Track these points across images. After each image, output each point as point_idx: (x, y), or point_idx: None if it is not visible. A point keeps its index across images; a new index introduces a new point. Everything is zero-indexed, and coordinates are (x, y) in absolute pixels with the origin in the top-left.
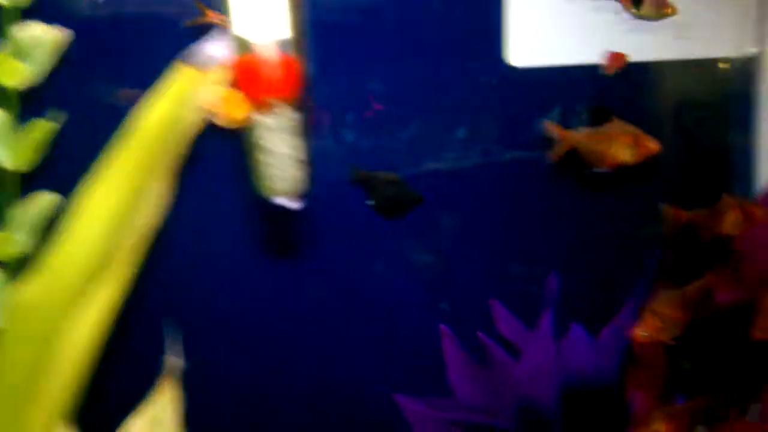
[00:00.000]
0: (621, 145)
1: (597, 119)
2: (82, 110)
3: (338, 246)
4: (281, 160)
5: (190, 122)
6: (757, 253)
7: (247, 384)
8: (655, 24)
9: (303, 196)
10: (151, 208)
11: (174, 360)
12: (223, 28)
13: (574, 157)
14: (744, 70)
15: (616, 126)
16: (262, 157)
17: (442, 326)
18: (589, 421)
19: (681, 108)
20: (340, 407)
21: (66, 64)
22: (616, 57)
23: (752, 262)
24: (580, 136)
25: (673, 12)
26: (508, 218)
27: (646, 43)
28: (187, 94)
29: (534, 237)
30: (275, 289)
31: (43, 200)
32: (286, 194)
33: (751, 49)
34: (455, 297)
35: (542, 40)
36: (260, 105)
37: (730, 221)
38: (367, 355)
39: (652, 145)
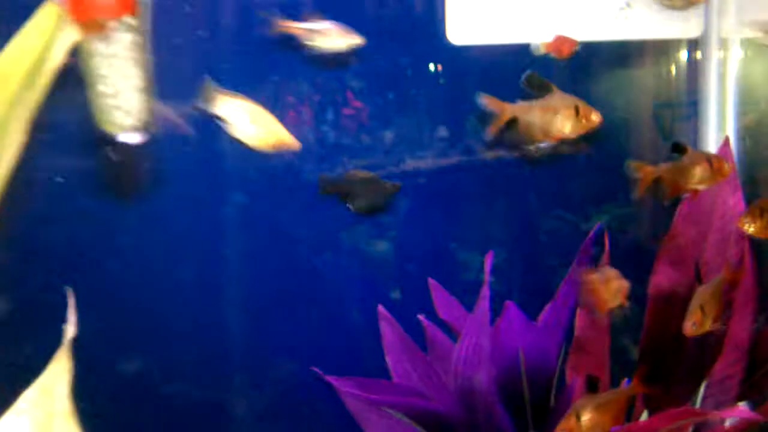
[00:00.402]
0: (563, 117)
1: (535, 91)
2: None
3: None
4: (120, 90)
5: (55, 63)
6: (689, 232)
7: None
8: (599, 5)
9: (146, 128)
10: (11, 151)
11: (70, 328)
12: None
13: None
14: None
15: (557, 98)
16: (99, 88)
17: (380, 308)
18: (529, 404)
19: (624, 88)
20: (268, 387)
21: None
22: (564, 41)
23: (687, 242)
24: (520, 108)
25: None
26: (454, 204)
27: (590, 24)
28: (54, 34)
29: (480, 223)
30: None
31: None
32: (128, 129)
33: (696, 32)
34: (401, 283)
35: (482, 19)
36: (92, 28)
37: (698, 175)
38: (303, 337)
39: (595, 117)
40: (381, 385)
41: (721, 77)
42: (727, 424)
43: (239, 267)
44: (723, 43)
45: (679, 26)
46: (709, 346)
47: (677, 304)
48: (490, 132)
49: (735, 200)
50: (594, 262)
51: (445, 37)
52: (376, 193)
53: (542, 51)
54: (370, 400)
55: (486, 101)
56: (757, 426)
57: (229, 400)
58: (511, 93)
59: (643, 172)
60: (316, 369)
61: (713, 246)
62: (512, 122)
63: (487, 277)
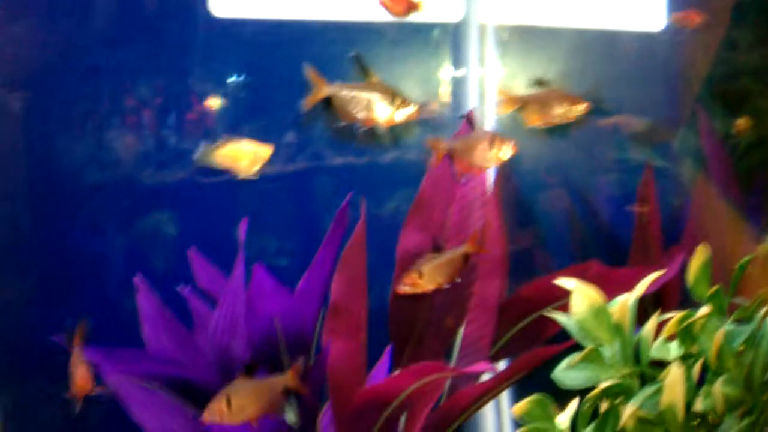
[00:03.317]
0: (379, 105)
1: (356, 72)
2: None
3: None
4: None
5: None
6: (436, 197)
7: None
8: None
9: None
10: None
11: None
12: None
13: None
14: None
15: (373, 83)
16: None
17: (136, 279)
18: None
19: (396, 67)
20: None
21: None
22: None
23: (433, 207)
24: (337, 89)
25: None
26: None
27: (360, 6)
28: None
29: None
30: None
31: None
32: None
33: (458, 16)
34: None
35: None
36: None
37: (482, 155)
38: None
39: (409, 109)
40: (131, 355)
41: (481, 61)
42: (482, 380)
43: None
44: (481, 29)
45: (438, 10)
46: (456, 307)
47: None
48: (305, 106)
49: None
50: (349, 229)
51: (207, 8)
52: None
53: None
54: (119, 369)
55: (309, 74)
56: (516, 383)
57: None
58: (271, 68)
59: (436, 147)
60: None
61: (459, 211)
62: (328, 100)
63: (241, 242)
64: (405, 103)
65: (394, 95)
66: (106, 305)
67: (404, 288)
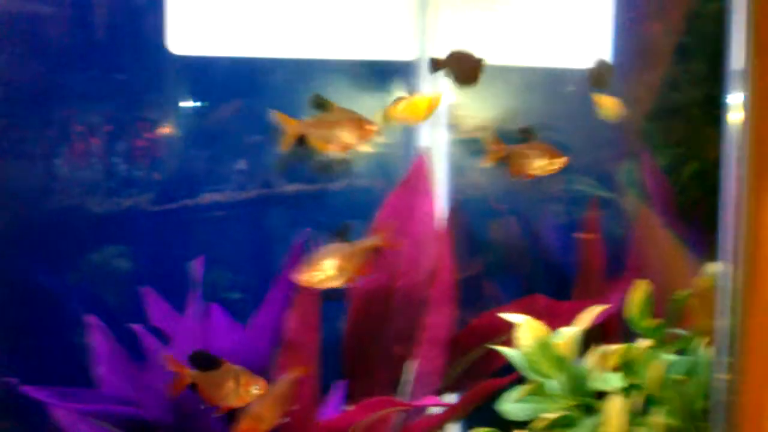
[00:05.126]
0: (346, 130)
1: (318, 110)
2: None
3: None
4: None
5: None
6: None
7: None
8: (322, 26)
9: None
10: None
11: None
12: None
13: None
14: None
15: (338, 112)
16: None
17: (91, 317)
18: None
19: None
20: None
21: None
22: None
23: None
24: (306, 124)
25: None
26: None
27: (314, 43)
28: None
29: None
30: None
31: None
32: None
33: (413, 54)
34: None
35: (206, 29)
36: None
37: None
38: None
39: (373, 126)
40: (86, 395)
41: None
42: (433, 413)
43: None
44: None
45: (393, 48)
46: (407, 340)
47: (376, 303)
48: (282, 148)
49: (428, 207)
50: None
51: (165, 45)
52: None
53: None
54: (74, 410)
55: (275, 116)
56: (465, 416)
57: None
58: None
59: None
60: (11, 378)
61: (411, 247)
62: (301, 138)
63: (197, 281)
64: (370, 123)
65: (359, 118)
66: (58, 342)
67: None
